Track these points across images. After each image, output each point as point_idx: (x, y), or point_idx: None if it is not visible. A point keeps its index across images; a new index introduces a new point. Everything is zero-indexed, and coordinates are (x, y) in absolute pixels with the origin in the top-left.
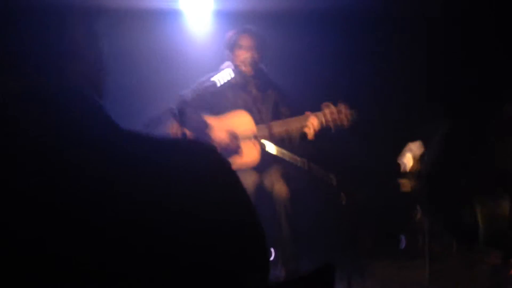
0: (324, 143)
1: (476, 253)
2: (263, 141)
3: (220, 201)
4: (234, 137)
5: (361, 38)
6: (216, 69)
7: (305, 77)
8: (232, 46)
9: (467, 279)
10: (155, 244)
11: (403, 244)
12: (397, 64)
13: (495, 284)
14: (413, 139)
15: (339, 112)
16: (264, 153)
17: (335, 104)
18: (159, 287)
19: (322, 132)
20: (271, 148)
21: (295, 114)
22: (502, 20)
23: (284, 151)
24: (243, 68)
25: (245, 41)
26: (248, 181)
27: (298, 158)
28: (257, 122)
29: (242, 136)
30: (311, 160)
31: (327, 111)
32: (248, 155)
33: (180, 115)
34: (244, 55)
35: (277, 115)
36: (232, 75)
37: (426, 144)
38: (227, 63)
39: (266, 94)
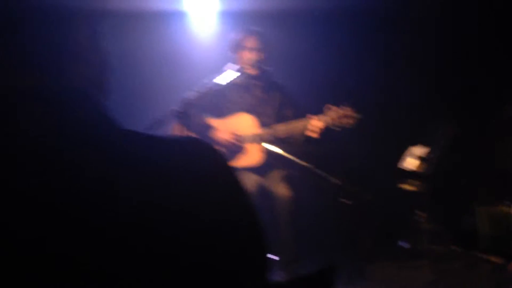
0: (327, 145)
1: (476, 254)
2: (266, 143)
3: (220, 201)
4: (238, 139)
5: (366, 39)
6: (221, 71)
7: (309, 79)
8: (236, 48)
9: (468, 279)
10: (154, 244)
11: (403, 245)
12: (400, 65)
13: (496, 284)
14: (415, 140)
15: (342, 114)
16: (266, 155)
17: (339, 106)
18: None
19: (325, 134)
20: (274, 150)
21: (299, 116)
22: (502, 20)
23: (287, 153)
24: (247, 69)
25: (250, 42)
26: (250, 183)
27: (301, 161)
28: (261, 124)
29: (246, 138)
30: (314, 162)
31: (330, 113)
32: (251, 157)
33: (183, 117)
34: (248, 56)
35: (281, 117)
36: (236, 76)
37: (428, 146)
38: (231, 64)
39: (270, 96)
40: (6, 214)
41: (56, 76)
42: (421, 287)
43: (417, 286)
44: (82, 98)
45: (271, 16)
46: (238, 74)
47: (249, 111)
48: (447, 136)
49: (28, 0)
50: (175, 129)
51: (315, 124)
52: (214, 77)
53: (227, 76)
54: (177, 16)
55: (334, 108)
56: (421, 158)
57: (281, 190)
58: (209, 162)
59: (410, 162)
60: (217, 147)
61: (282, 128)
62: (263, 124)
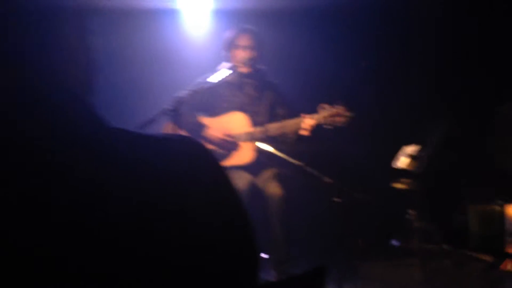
0: (319, 144)
1: (468, 253)
2: (258, 142)
3: (210, 200)
4: (230, 137)
5: (359, 38)
6: (214, 70)
7: (302, 77)
8: (230, 46)
9: (460, 278)
10: (144, 243)
11: (395, 243)
12: (395, 63)
13: (487, 283)
14: (408, 139)
15: (336, 113)
16: (259, 154)
17: (332, 105)
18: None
19: (318, 132)
20: (266, 149)
21: (292, 115)
22: (500, 19)
23: (279, 152)
24: (241, 67)
25: (243, 41)
26: (242, 182)
27: (293, 160)
28: (254, 123)
29: (238, 136)
30: (307, 161)
31: (323, 112)
32: (244, 156)
33: (176, 116)
34: (242, 54)
35: (273, 116)
36: (229, 75)
37: (421, 145)
38: (225, 63)
39: (263, 95)
40: None
41: (43, 74)
42: (413, 285)
43: (408, 284)
44: (71, 98)
45: (264, 14)
46: (231, 72)
47: (242, 109)
48: (439, 135)
49: None
50: (167, 128)
51: (307, 123)
52: (207, 76)
53: (220, 74)
54: (170, 14)
55: (327, 106)
56: (413, 157)
57: (274, 189)
58: (199, 161)
59: (403, 161)
60: (209, 146)
61: (274, 127)
62: (256, 123)
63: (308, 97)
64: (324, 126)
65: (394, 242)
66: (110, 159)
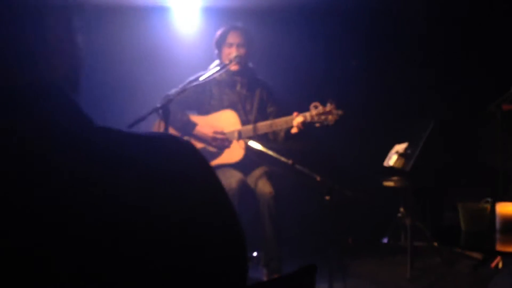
0: (310, 142)
1: (458, 250)
2: (248, 140)
3: (198, 199)
4: (220, 136)
5: (350, 37)
6: (205, 67)
7: (293, 76)
8: (221, 44)
9: (449, 275)
10: (133, 243)
11: (385, 241)
12: (386, 62)
13: (477, 280)
14: (400, 138)
15: (327, 112)
16: (249, 152)
17: (323, 104)
18: None
19: (309, 131)
20: (257, 147)
21: (282, 114)
22: (490, 20)
23: (269, 150)
24: (231, 65)
25: (233, 38)
26: (233, 180)
27: (283, 158)
28: (244, 121)
29: (228, 135)
30: (297, 159)
31: (314, 110)
32: (234, 154)
33: (166, 114)
34: (232, 52)
35: (264, 114)
36: (220, 73)
37: (412, 143)
38: (217, 61)
39: (254, 93)
40: None
41: (27, 70)
42: (403, 283)
43: (399, 282)
44: (55, 94)
45: (254, 12)
46: (222, 70)
47: (232, 107)
48: (430, 133)
49: None
50: (157, 126)
51: (298, 121)
52: (199, 75)
53: (210, 72)
54: (160, 11)
55: (318, 105)
56: (403, 155)
57: (264, 187)
58: (188, 160)
59: (394, 159)
60: (199, 144)
61: (265, 125)
62: (246, 121)
63: (298, 95)
64: (315, 124)
65: (385, 240)
66: (98, 158)
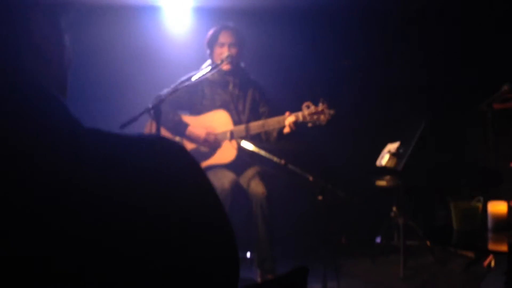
0: (302, 142)
1: (450, 249)
2: (241, 140)
3: (189, 200)
4: (213, 136)
5: (341, 37)
6: (196, 67)
7: (285, 75)
8: (213, 44)
9: (442, 274)
10: (124, 244)
11: (378, 240)
12: (377, 62)
13: (469, 279)
14: (393, 137)
15: (319, 111)
16: (241, 152)
17: (316, 104)
18: None
19: (301, 130)
20: (249, 147)
21: (274, 113)
22: (481, 19)
23: (261, 150)
24: (223, 65)
25: (225, 38)
26: (225, 180)
27: (276, 158)
28: (236, 121)
29: (220, 135)
30: (289, 159)
31: (307, 111)
32: (226, 154)
33: (158, 115)
34: (224, 52)
35: (256, 114)
36: (212, 73)
37: (404, 143)
38: (209, 61)
39: (246, 93)
40: None
41: (15, 72)
42: (396, 282)
43: (392, 281)
44: (43, 95)
45: (245, 12)
46: (214, 70)
47: (224, 107)
48: (422, 132)
49: None
50: (149, 127)
51: (290, 121)
52: (191, 75)
53: (202, 72)
54: (151, 11)
55: (309, 104)
56: (396, 155)
57: (257, 187)
58: (178, 161)
59: (386, 159)
60: (191, 144)
61: (257, 125)
62: (238, 121)
63: (290, 95)
64: (307, 124)
65: (378, 240)
66: (87, 160)
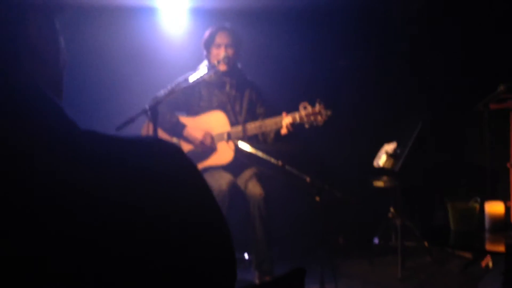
0: (299, 143)
1: (448, 250)
2: (238, 141)
3: (183, 203)
4: (210, 137)
5: (338, 37)
6: (193, 68)
7: (282, 76)
8: (209, 45)
9: (440, 274)
10: (121, 245)
11: (376, 241)
12: (374, 62)
13: (467, 280)
14: (389, 138)
15: (316, 112)
16: (238, 153)
17: (312, 104)
18: None
19: (298, 131)
20: (246, 148)
21: (271, 114)
22: (478, 20)
23: (259, 151)
24: (220, 66)
25: (221, 39)
26: (223, 182)
27: (273, 159)
28: (233, 122)
29: (217, 136)
30: (286, 160)
31: (304, 112)
32: (223, 156)
33: (155, 116)
34: (221, 53)
35: (253, 115)
36: (209, 74)
37: (400, 143)
38: (205, 62)
39: (243, 94)
40: None
41: (11, 73)
42: (394, 283)
43: (389, 282)
44: (39, 97)
45: (242, 13)
46: (210, 71)
47: (221, 108)
48: (419, 133)
49: None
50: (146, 128)
51: (287, 122)
52: (187, 76)
53: (199, 73)
54: (148, 12)
55: (306, 105)
56: (393, 156)
57: (254, 188)
58: (172, 162)
59: (383, 160)
60: (189, 146)
61: (254, 126)
62: (235, 122)
63: (287, 96)
64: (304, 125)
65: (375, 240)
66: (83, 160)
